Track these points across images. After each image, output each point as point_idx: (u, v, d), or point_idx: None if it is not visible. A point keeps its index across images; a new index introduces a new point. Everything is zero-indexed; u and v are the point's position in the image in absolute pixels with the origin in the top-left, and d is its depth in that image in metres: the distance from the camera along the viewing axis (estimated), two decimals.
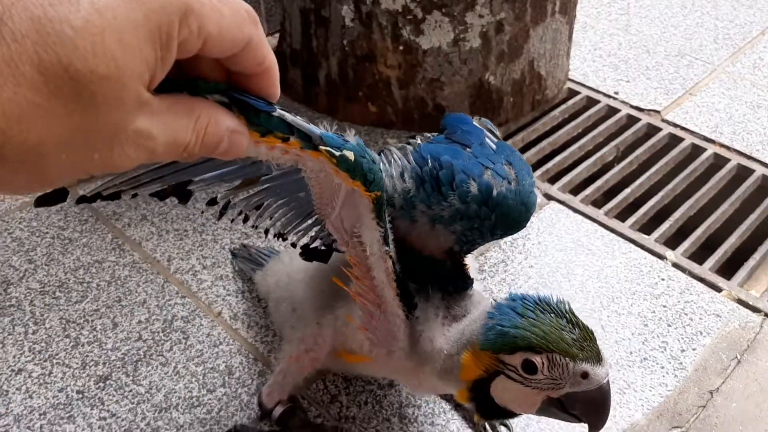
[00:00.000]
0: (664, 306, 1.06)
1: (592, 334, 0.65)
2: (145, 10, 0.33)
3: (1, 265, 1.08)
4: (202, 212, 1.18)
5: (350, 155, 0.54)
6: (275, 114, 0.45)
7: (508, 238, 1.17)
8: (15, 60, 0.30)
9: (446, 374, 0.70)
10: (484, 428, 0.88)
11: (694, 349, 1.00)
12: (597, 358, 0.63)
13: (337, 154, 0.53)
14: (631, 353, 0.99)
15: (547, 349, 0.63)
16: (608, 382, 0.64)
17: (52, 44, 0.30)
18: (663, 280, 1.11)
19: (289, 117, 0.47)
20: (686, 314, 1.05)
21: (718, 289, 1.10)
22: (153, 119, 0.36)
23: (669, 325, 1.04)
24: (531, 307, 0.65)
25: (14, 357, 0.95)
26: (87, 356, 0.96)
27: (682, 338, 1.02)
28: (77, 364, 0.95)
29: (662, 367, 0.98)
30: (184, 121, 0.38)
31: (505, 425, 0.88)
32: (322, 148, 0.51)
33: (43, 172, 0.33)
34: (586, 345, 0.63)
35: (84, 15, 0.31)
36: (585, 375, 0.63)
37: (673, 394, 0.95)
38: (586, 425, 0.67)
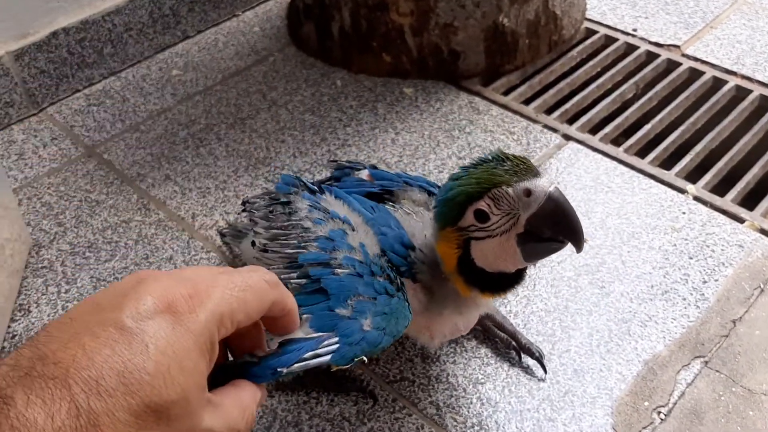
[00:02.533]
0: (686, 239, 1.06)
1: (525, 159, 0.66)
2: (193, 337, 0.41)
3: (32, 230, 1.11)
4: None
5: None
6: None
7: None
8: (112, 410, 0.37)
9: (440, 280, 0.73)
10: (518, 354, 0.89)
11: (716, 280, 1.00)
12: (533, 173, 0.64)
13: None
14: (652, 287, 1.00)
15: (484, 190, 0.64)
16: (556, 189, 0.64)
17: (136, 390, 0.38)
18: (684, 213, 1.10)
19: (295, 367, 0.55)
20: (708, 246, 1.05)
21: (740, 220, 1.09)
22: (214, 415, 0.43)
23: (690, 258, 1.04)
24: (463, 171, 0.68)
25: (48, 316, 0.99)
26: None
27: (704, 270, 1.02)
28: None
29: (684, 299, 0.98)
30: (237, 412, 0.46)
31: (540, 354, 0.88)
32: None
33: None
34: (519, 168, 0.64)
35: (154, 359, 0.39)
36: (528, 192, 0.63)
37: (695, 325, 0.95)
38: (571, 248, 0.68)
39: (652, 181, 1.16)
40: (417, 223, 0.77)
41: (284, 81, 1.39)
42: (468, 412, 0.86)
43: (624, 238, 1.07)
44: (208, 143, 1.26)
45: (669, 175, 1.18)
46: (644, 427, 0.84)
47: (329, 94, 1.35)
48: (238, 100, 1.35)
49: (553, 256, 1.04)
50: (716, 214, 1.10)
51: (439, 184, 0.98)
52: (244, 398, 0.47)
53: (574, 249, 0.67)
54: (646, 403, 0.87)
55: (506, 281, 0.72)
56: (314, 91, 1.36)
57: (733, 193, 1.15)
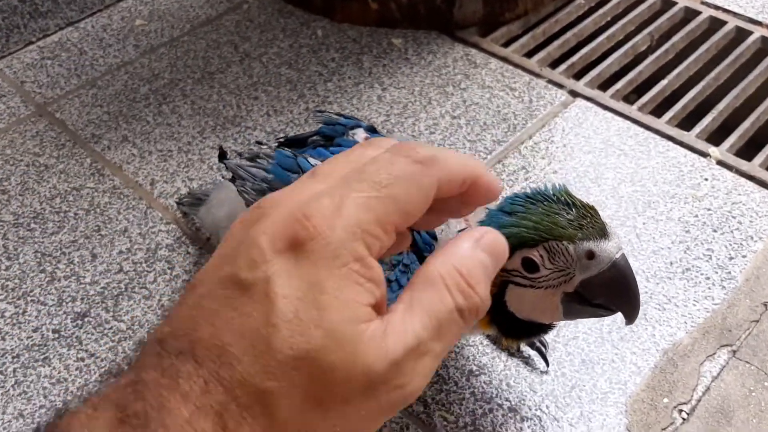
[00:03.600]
0: (709, 209, 0.94)
1: (593, 210, 0.56)
2: (325, 265, 0.32)
3: None
4: None
5: None
6: None
7: (529, 142, 1.04)
8: (247, 379, 0.31)
9: None
10: (519, 350, 0.79)
11: (744, 256, 0.88)
12: (600, 233, 0.55)
13: None
14: (671, 264, 0.87)
15: (541, 239, 0.54)
16: (623, 256, 0.55)
17: (265, 349, 0.31)
18: (706, 180, 0.98)
19: None
20: (734, 217, 0.93)
21: None
22: (403, 328, 0.33)
23: (714, 231, 0.91)
24: (520, 202, 0.57)
25: None
26: (63, 292, 0.87)
27: (730, 244, 0.90)
28: (53, 300, 0.86)
29: (707, 278, 0.86)
30: (437, 294, 0.34)
31: (542, 343, 0.78)
32: None
33: None
34: (586, 222, 0.55)
35: (281, 308, 0.32)
36: (591, 255, 0.54)
37: (721, 308, 0.83)
38: (621, 316, 0.59)
39: (669, 143, 1.03)
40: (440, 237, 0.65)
41: (259, 31, 1.24)
42: (460, 409, 0.75)
43: (639, 208, 0.94)
44: (172, 100, 1.12)
45: (689, 137, 1.05)
46: (663, 429, 0.73)
47: (309, 46, 1.21)
48: (207, 52, 1.21)
49: None
50: (743, 180, 0.98)
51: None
52: (434, 272, 0.35)
53: (624, 320, 0.59)
54: (666, 400, 0.75)
55: (533, 329, 0.64)
56: (292, 42, 1.22)
57: (761, 157, 1.02)
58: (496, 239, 0.36)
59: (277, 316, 0.31)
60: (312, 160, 0.67)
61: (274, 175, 0.69)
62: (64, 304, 0.86)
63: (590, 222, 0.55)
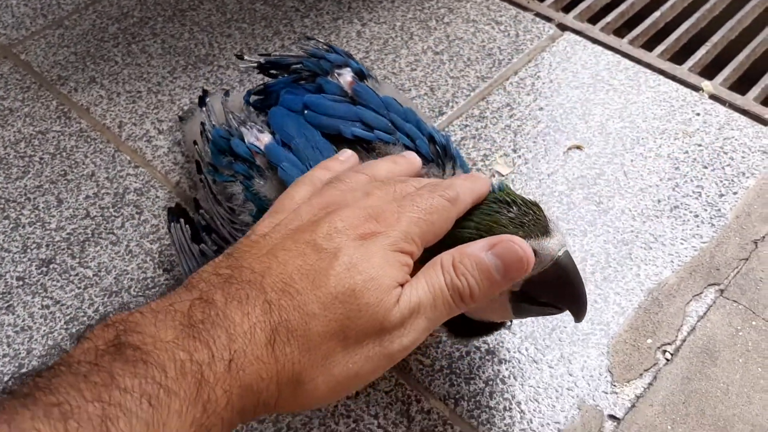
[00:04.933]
0: (699, 145, 0.90)
1: (536, 206, 0.53)
2: (382, 252, 0.44)
3: None
4: None
5: None
6: None
7: (514, 78, 0.99)
8: (300, 305, 0.40)
9: None
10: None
11: (735, 193, 0.85)
12: (542, 230, 0.51)
13: None
14: (659, 202, 0.84)
15: (479, 238, 0.51)
16: (566, 253, 0.52)
17: (322, 284, 0.41)
18: (698, 114, 0.94)
19: None
20: (726, 153, 0.89)
21: (765, 122, 0.93)
22: (410, 292, 0.45)
23: (705, 167, 0.87)
24: None
25: None
26: (28, 238, 0.84)
27: (721, 181, 0.86)
28: (17, 247, 0.83)
29: (696, 216, 0.83)
30: (436, 271, 0.46)
31: None
32: None
33: (330, 386, 0.42)
34: (527, 220, 0.52)
35: (343, 262, 0.42)
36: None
37: (709, 247, 0.80)
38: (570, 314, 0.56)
39: (661, 78, 0.99)
40: None
41: None
42: (436, 353, 0.72)
43: (627, 144, 0.90)
44: (142, 39, 1.07)
45: (681, 71, 1.00)
46: (646, 369, 0.70)
47: None
48: None
49: (543, 168, 0.88)
50: (736, 114, 0.93)
51: (427, 111, 0.80)
52: (432, 280, 0.46)
53: (572, 317, 0.56)
54: (649, 341, 0.72)
55: (482, 328, 0.61)
56: None
57: (756, 90, 0.98)
58: (510, 247, 0.47)
59: (339, 264, 0.42)
60: (241, 147, 0.62)
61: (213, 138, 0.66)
62: (28, 250, 0.83)
63: (532, 220, 0.52)
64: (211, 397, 0.36)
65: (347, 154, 0.58)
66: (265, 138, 0.62)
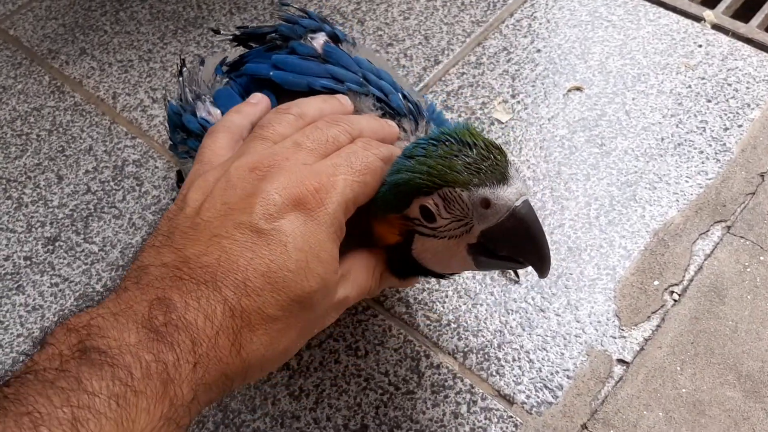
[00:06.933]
0: (702, 78, 0.88)
1: (497, 150, 0.49)
2: (325, 228, 0.45)
3: None
4: None
5: None
6: None
7: (510, 20, 0.97)
8: (261, 307, 0.41)
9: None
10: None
11: (739, 126, 0.83)
12: (499, 177, 0.47)
13: None
14: (662, 140, 0.83)
15: (435, 185, 0.48)
16: (525, 203, 0.48)
17: (282, 287, 0.42)
18: (700, 46, 0.91)
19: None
20: (730, 84, 0.87)
21: None
22: (347, 284, 0.49)
23: (708, 101, 0.86)
24: (423, 144, 0.50)
25: None
26: (32, 217, 0.84)
27: (726, 114, 0.84)
28: (22, 227, 0.83)
29: (701, 152, 0.81)
30: (365, 275, 0.51)
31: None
32: None
33: (283, 360, 0.46)
34: (485, 166, 0.48)
35: (294, 257, 0.43)
36: (486, 203, 0.47)
37: (715, 183, 0.79)
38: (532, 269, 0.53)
39: (661, 10, 0.96)
40: None
41: None
42: (443, 307, 0.72)
43: (628, 83, 0.88)
44: (129, 6, 1.05)
45: (682, 1, 0.97)
46: (654, 312, 0.70)
47: None
48: None
49: (543, 112, 0.87)
50: (740, 44, 0.91)
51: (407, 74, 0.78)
52: (369, 260, 0.52)
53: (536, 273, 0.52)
54: (656, 282, 0.72)
55: (438, 274, 0.57)
56: None
57: (760, 17, 0.95)
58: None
59: (293, 263, 0.42)
60: (193, 123, 0.61)
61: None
62: (33, 230, 0.83)
63: (490, 165, 0.48)
64: (178, 394, 0.37)
65: (258, 97, 0.56)
66: (218, 112, 0.61)
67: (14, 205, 0.85)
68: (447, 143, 0.49)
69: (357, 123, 0.52)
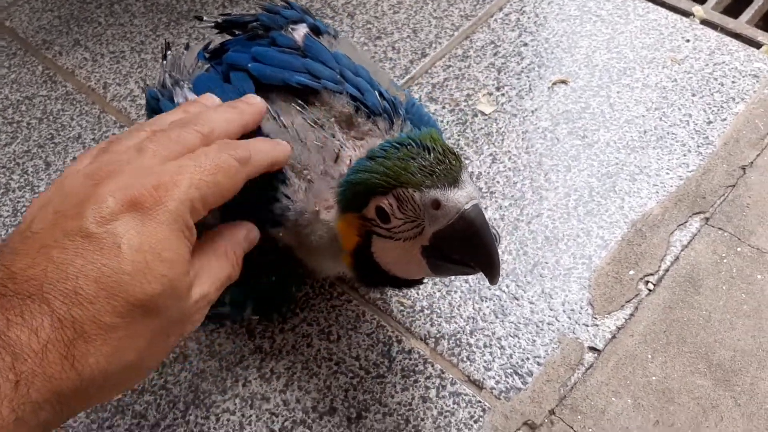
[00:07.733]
0: (688, 72, 0.87)
1: (453, 155, 0.50)
2: (167, 226, 0.41)
3: None
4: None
5: None
6: None
7: (499, 14, 0.97)
8: (96, 316, 0.38)
9: (333, 251, 0.57)
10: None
11: (723, 120, 0.83)
12: (451, 181, 0.49)
13: None
14: (645, 132, 0.82)
15: (389, 186, 0.50)
16: (475, 207, 0.49)
17: (118, 292, 0.38)
18: (688, 41, 0.91)
19: None
20: (715, 79, 0.86)
21: (757, 45, 0.90)
22: (201, 281, 0.45)
23: (693, 95, 0.85)
24: (386, 146, 0.52)
25: None
26: (18, 202, 0.85)
27: (710, 108, 0.84)
28: (8, 212, 0.85)
29: (683, 145, 0.81)
30: (220, 264, 0.47)
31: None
32: None
33: (140, 374, 0.43)
34: (439, 169, 0.49)
35: (129, 258, 0.39)
36: (436, 204, 0.49)
37: (696, 175, 0.78)
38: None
39: (650, 5, 0.96)
40: (313, 154, 0.56)
41: None
42: (417, 294, 0.73)
43: (613, 76, 0.88)
44: None
45: None
46: (628, 301, 0.70)
47: None
48: None
49: (527, 104, 0.87)
50: (727, 39, 0.91)
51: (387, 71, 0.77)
52: (219, 246, 0.48)
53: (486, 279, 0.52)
54: (632, 272, 0.72)
55: (402, 282, 0.58)
56: None
57: (748, 13, 0.95)
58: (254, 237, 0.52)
59: (130, 265, 0.39)
60: (170, 108, 0.60)
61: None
62: (19, 215, 0.84)
63: (444, 169, 0.49)
64: None
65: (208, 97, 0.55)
66: (193, 98, 0.61)
67: (1, 191, 0.87)
68: (408, 146, 0.51)
69: (207, 120, 0.49)
